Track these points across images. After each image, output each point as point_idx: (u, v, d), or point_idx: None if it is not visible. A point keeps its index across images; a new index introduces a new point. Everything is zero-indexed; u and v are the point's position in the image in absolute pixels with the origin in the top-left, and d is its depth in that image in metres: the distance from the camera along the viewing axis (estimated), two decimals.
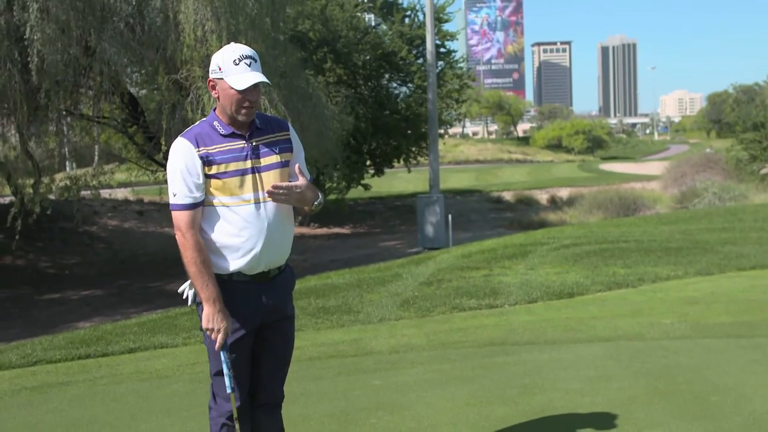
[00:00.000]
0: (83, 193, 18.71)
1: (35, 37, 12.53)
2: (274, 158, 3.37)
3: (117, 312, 14.67)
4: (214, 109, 3.42)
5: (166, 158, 17.54)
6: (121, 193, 29.26)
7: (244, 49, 3.31)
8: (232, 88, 3.23)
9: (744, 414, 4.67)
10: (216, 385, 3.43)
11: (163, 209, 28.53)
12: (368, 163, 30.61)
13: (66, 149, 20.64)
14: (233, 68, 3.24)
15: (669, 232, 14.99)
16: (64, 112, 16.61)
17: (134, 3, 14.40)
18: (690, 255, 11.72)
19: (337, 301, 9.39)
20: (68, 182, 17.04)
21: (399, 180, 41.52)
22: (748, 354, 6.05)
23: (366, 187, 30.77)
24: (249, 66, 3.24)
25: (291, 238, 3.49)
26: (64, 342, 7.98)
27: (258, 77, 3.24)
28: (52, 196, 18.23)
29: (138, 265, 21.34)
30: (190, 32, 12.84)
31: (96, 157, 21.24)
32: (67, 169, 23.38)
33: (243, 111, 3.27)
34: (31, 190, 16.91)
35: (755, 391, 5.09)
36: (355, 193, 31.74)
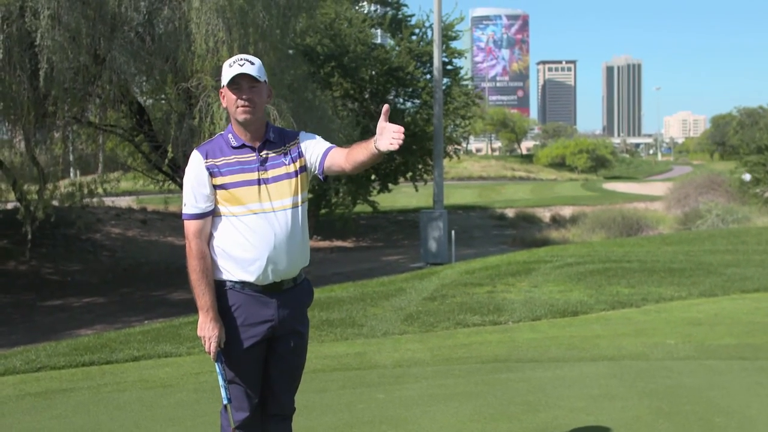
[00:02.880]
0: (87, 200, 18.77)
1: (46, 44, 12.59)
2: (282, 170, 3.42)
3: (119, 320, 14.67)
4: (231, 123, 3.49)
5: (172, 167, 17.55)
6: (124, 202, 29.33)
7: (243, 55, 3.43)
8: (226, 86, 3.34)
9: None
10: (230, 393, 3.46)
11: (167, 218, 28.57)
12: (373, 178, 30.68)
13: (71, 156, 20.71)
14: (227, 69, 3.36)
15: (672, 252, 14.98)
16: (71, 119, 16.67)
17: (145, 12, 14.48)
18: (693, 276, 11.72)
19: (340, 314, 9.39)
20: (73, 189, 17.09)
21: (402, 195, 41.57)
22: (752, 376, 6.05)
23: (373, 206, 30.89)
24: (242, 66, 3.33)
25: (304, 250, 3.51)
26: (68, 349, 7.99)
27: (240, 70, 3.31)
28: (55, 203, 18.29)
29: (140, 274, 21.35)
30: (201, 42, 12.93)
31: (100, 165, 21.32)
32: (71, 176, 23.45)
33: (239, 111, 3.34)
34: (35, 197, 16.96)
35: (759, 413, 5.10)
36: (359, 207, 31.80)
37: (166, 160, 16.05)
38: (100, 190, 17.87)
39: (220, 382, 3.38)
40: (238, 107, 3.35)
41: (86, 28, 13.10)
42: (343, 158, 3.37)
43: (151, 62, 14.31)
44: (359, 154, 3.30)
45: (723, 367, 6.38)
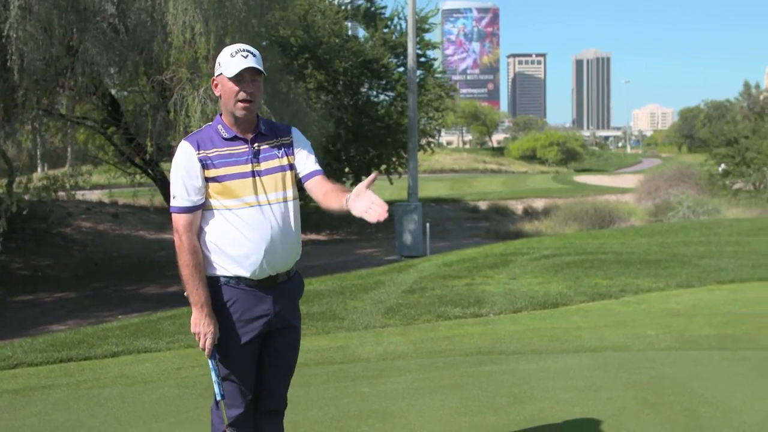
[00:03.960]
0: (62, 194, 18.51)
1: (16, 35, 12.35)
2: (275, 162, 3.36)
3: (91, 315, 14.48)
4: (221, 114, 3.41)
5: (145, 161, 17.28)
6: (94, 195, 28.96)
7: (244, 45, 3.34)
8: (228, 78, 3.24)
9: (734, 426, 4.70)
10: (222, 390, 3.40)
11: (138, 212, 28.26)
12: (347, 170, 30.61)
13: (38, 149, 20.38)
14: (230, 60, 3.26)
15: (646, 244, 15.12)
16: (41, 112, 16.40)
17: (117, 3, 14.26)
18: (669, 267, 11.83)
19: (320, 307, 9.34)
20: (46, 182, 16.82)
21: (375, 188, 40.90)
22: (733, 367, 6.10)
23: None
24: (245, 57, 3.25)
25: (298, 242, 3.47)
26: (45, 345, 7.86)
27: (249, 63, 3.23)
28: (26, 196, 17.99)
29: (112, 268, 21.10)
30: (178, 34, 12.73)
31: (69, 158, 21.01)
32: (39, 169, 23.10)
33: (240, 104, 3.26)
34: (4, 190, 16.66)
35: (743, 403, 5.13)
36: None
37: (147, 154, 15.84)
38: (72, 183, 17.61)
39: (214, 378, 3.32)
40: (238, 101, 3.26)
41: (58, 19, 12.88)
42: (321, 195, 3.34)
43: (125, 54, 14.10)
44: (333, 201, 3.26)
45: (704, 357, 6.43)
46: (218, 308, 3.30)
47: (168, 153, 15.58)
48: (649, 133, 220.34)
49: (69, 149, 21.01)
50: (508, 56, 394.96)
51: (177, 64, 13.25)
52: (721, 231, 17.37)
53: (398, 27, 30.27)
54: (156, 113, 14.91)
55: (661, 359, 6.38)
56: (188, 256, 3.25)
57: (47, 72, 13.61)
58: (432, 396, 5.52)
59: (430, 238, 21.45)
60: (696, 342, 7.03)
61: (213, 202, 3.30)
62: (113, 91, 18.16)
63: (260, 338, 3.38)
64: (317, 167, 3.45)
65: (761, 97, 56.84)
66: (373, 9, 30.80)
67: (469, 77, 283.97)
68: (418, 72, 28.88)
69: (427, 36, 32.04)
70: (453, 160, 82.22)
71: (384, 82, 30.22)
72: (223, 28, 13.05)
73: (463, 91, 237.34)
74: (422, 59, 31.06)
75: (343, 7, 30.52)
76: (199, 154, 3.28)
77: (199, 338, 3.28)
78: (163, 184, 18.57)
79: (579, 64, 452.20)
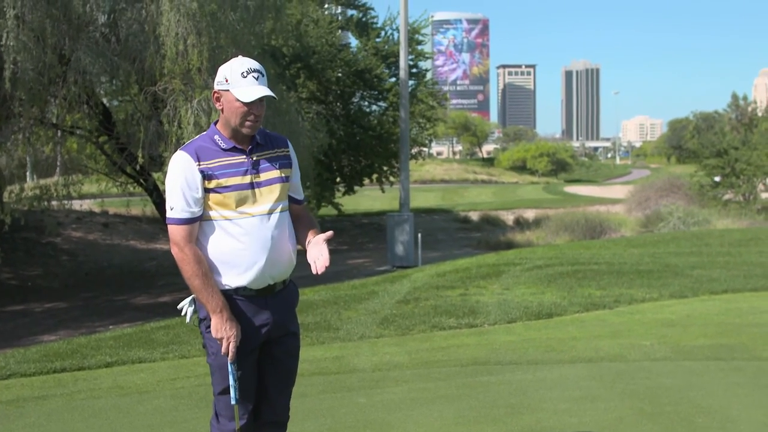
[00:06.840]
0: (55, 203, 18.41)
1: (10, 45, 12.32)
2: (274, 173, 3.37)
3: (83, 325, 14.41)
4: (215, 123, 3.40)
5: (137, 170, 17.18)
6: (85, 205, 28.83)
7: (253, 63, 3.31)
8: (239, 100, 3.22)
9: None
10: (220, 404, 3.37)
11: (129, 222, 28.16)
12: (338, 180, 30.60)
13: (28, 159, 20.29)
14: (241, 80, 3.23)
15: (638, 255, 15.14)
16: (32, 121, 16.33)
17: (109, 12, 14.24)
18: (662, 278, 11.86)
19: (315, 317, 9.33)
20: (38, 192, 16.72)
21: (366, 198, 41.49)
22: (729, 377, 6.12)
23: (338, 207, 30.66)
24: (256, 79, 3.24)
25: (294, 251, 3.47)
26: (38, 355, 7.82)
27: (265, 91, 3.24)
28: (18, 206, 17.89)
29: (103, 278, 21.01)
30: (171, 46, 12.69)
31: (58, 167, 20.94)
32: (28, 179, 22.98)
33: (247, 124, 3.27)
34: None
35: (740, 413, 5.15)
36: (323, 210, 31.66)
37: (138, 165, 15.79)
38: (65, 193, 17.54)
39: (231, 382, 3.29)
40: (247, 121, 3.26)
41: (51, 28, 12.84)
42: (295, 219, 3.50)
43: (117, 63, 14.06)
44: (300, 233, 3.48)
45: (700, 367, 6.45)
46: None
47: (160, 163, 15.54)
48: (638, 144, 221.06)
49: (59, 159, 20.93)
50: (498, 67, 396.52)
51: (170, 75, 13.20)
52: (712, 242, 17.42)
53: (391, 37, 30.35)
54: (148, 123, 14.87)
55: (657, 369, 6.40)
56: (195, 266, 3.23)
57: (39, 81, 13.55)
58: (429, 407, 5.52)
59: (421, 249, 21.46)
60: (691, 352, 7.05)
61: (212, 213, 3.29)
62: (105, 100, 18.11)
63: (259, 348, 3.38)
64: (301, 195, 3.58)
65: (749, 109, 57.09)
66: (365, 19, 30.89)
67: (459, 88, 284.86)
68: (410, 82, 28.97)
69: (418, 47, 32.10)
70: (444, 171, 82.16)
71: (376, 92, 30.27)
72: (215, 40, 13.01)
73: (453, 101, 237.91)
74: (414, 70, 31.12)
75: (335, 17, 30.59)
76: (199, 165, 3.26)
77: (222, 343, 3.25)
78: (156, 195, 18.51)
79: (568, 75, 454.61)
